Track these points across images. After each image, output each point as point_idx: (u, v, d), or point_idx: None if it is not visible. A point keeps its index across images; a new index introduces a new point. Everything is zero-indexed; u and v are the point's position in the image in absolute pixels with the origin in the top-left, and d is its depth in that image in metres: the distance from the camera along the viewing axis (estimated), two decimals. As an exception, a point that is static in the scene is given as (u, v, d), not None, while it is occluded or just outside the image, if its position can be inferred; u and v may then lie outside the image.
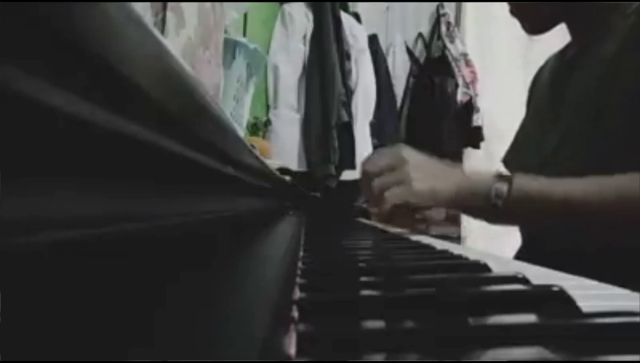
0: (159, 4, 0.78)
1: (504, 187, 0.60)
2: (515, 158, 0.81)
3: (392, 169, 0.65)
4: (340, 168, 2.11)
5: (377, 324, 0.20)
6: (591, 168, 0.59)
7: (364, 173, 0.68)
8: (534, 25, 0.73)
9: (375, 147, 2.59)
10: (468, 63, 2.91)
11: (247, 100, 1.39)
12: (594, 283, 0.27)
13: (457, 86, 2.86)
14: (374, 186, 0.65)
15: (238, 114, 1.30)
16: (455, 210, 0.74)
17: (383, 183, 0.64)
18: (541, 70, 0.86)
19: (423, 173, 0.64)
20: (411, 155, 0.66)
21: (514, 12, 0.74)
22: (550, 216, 0.59)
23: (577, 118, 0.66)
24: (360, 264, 0.36)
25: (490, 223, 0.73)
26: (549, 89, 0.78)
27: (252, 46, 1.30)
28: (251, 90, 1.42)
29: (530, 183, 0.60)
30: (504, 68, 2.85)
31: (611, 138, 0.60)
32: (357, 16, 2.60)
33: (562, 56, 0.79)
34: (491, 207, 0.61)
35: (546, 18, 0.72)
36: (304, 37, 2.10)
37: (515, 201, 0.60)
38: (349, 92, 2.25)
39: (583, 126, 0.64)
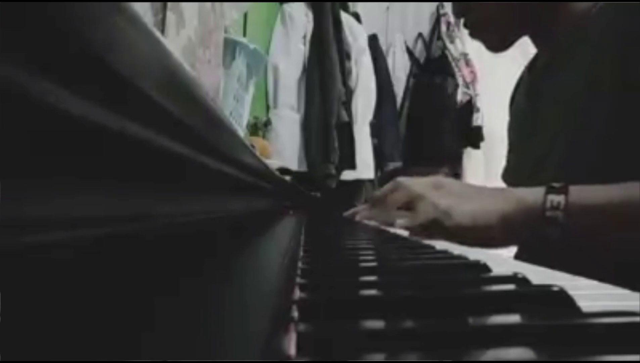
0: (159, 4, 0.78)
1: (560, 198, 0.54)
2: (510, 174, 0.81)
3: (431, 189, 0.61)
4: (340, 168, 2.11)
5: (377, 324, 0.20)
6: (580, 174, 0.58)
7: (396, 188, 0.65)
8: (495, 43, 0.73)
9: (375, 147, 2.60)
10: (468, 63, 2.91)
11: (247, 100, 1.39)
12: (594, 283, 0.27)
13: (457, 86, 2.87)
14: (414, 189, 0.61)
15: (238, 114, 1.30)
16: (495, 241, 0.64)
17: (423, 192, 0.60)
18: (518, 84, 0.85)
19: (462, 196, 0.60)
20: (449, 181, 0.62)
21: (473, 35, 0.73)
22: (614, 224, 0.53)
23: (561, 125, 0.64)
24: (360, 264, 0.36)
25: (537, 246, 0.68)
26: (526, 101, 0.77)
27: (252, 46, 1.30)
28: (251, 90, 1.43)
29: (587, 190, 0.54)
30: (504, 68, 2.86)
31: (598, 142, 0.58)
32: (357, 16, 2.60)
33: (533, 66, 0.78)
34: (548, 222, 0.54)
35: (505, 35, 0.71)
36: (304, 37, 2.10)
37: (575, 211, 0.53)
38: (349, 92, 2.25)
39: (568, 132, 0.63)
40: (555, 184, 0.55)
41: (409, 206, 0.62)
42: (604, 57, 0.60)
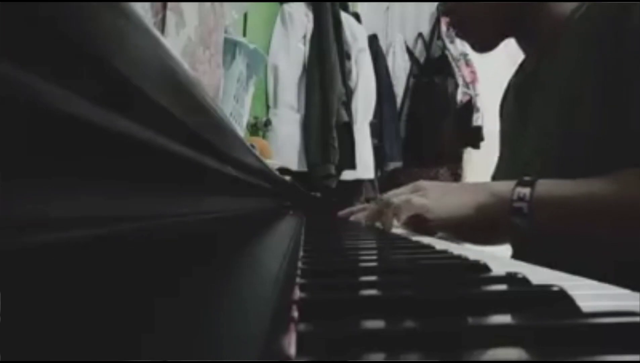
0: (159, 4, 0.78)
1: (526, 190, 0.58)
2: (500, 178, 0.81)
3: (412, 192, 0.66)
4: (340, 168, 2.11)
5: (377, 324, 0.20)
6: (568, 176, 0.58)
7: (382, 202, 0.69)
8: (480, 43, 0.74)
9: (375, 147, 2.60)
10: (468, 63, 2.91)
11: (247, 100, 1.39)
12: (594, 283, 0.27)
13: (457, 86, 2.87)
14: (393, 201, 0.66)
15: (238, 114, 1.30)
16: (477, 234, 0.71)
17: (404, 198, 0.65)
18: (507, 89, 0.85)
19: (443, 191, 0.65)
20: (429, 182, 0.68)
21: (459, 35, 0.75)
22: (576, 217, 0.56)
23: (549, 128, 0.65)
24: (360, 264, 0.36)
25: (512, 240, 0.72)
26: (515, 105, 0.78)
27: (252, 45, 1.30)
28: (251, 90, 1.43)
29: (553, 183, 0.58)
30: (504, 68, 2.86)
31: (585, 144, 0.58)
32: (357, 16, 2.60)
33: (521, 70, 0.78)
34: (514, 213, 0.58)
35: (490, 36, 0.73)
36: (304, 37, 2.10)
37: (539, 203, 0.57)
38: (349, 92, 2.25)
39: (556, 135, 0.63)
40: (526, 178, 0.59)
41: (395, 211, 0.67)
42: (589, 58, 0.60)
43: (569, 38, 0.64)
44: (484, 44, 0.74)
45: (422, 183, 0.67)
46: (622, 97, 0.55)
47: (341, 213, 0.92)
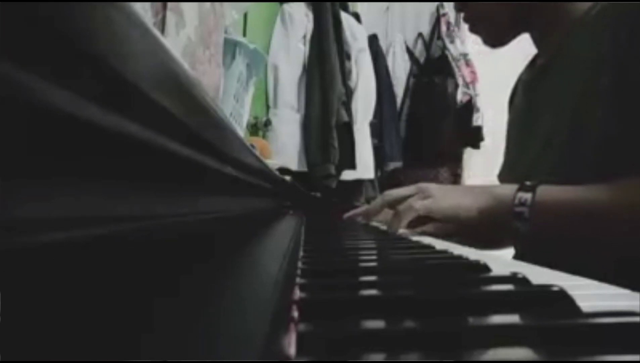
0: (159, 4, 0.78)
1: (527, 195, 0.59)
2: (506, 173, 0.81)
3: (416, 194, 0.67)
4: (340, 168, 2.11)
5: (377, 324, 0.20)
6: (574, 174, 0.58)
7: (385, 200, 0.70)
8: (493, 38, 0.74)
9: (375, 147, 2.60)
10: (468, 63, 2.91)
11: (247, 100, 1.39)
12: (594, 283, 0.27)
13: (457, 86, 2.87)
14: (398, 207, 0.66)
15: (238, 114, 1.30)
16: (479, 236, 0.72)
17: (409, 202, 0.65)
18: (517, 84, 0.85)
19: (446, 193, 0.66)
20: (431, 184, 0.68)
21: (472, 29, 0.75)
22: (576, 223, 0.56)
23: (556, 125, 0.65)
24: (360, 264, 0.36)
25: (513, 243, 0.73)
26: (524, 100, 0.78)
27: (252, 45, 1.30)
28: (251, 90, 1.42)
29: (554, 189, 0.58)
30: (505, 68, 2.85)
31: (593, 143, 0.58)
32: (357, 16, 2.60)
33: (532, 66, 0.79)
34: (516, 217, 0.59)
35: (503, 31, 0.73)
36: (304, 37, 2.10)
37: (540, 208, 0.57)
38: (349, 92, 2.25)
39: (563, 133, 0.63)
40: (528, 183, 0.60)
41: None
42: (603, 56, 0.60)
43: (583, 36, 0.64)
44: (496, 40, 0.74)
45: (425, 186, 0.67)
46: (634, 97, 0.55)
47: (346, 214, 0.91)
